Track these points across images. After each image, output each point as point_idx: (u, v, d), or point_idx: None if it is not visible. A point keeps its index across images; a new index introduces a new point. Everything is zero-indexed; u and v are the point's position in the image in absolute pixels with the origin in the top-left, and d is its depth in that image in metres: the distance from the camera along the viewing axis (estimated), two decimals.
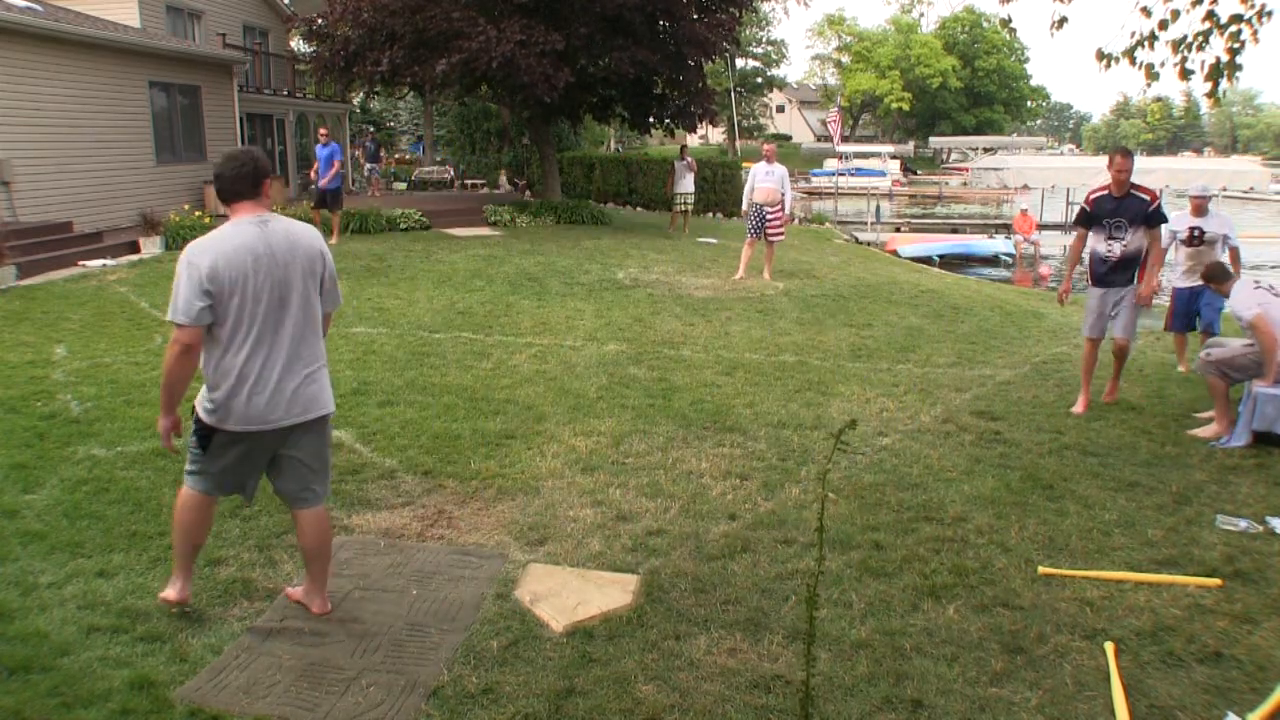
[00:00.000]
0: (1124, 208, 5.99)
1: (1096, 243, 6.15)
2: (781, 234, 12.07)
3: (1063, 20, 6.60)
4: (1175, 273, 7.70)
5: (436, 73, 15.49)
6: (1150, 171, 24.30)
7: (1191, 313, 7.45)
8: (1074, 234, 6.49)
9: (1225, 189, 26.21)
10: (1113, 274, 6.13)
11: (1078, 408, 6.23)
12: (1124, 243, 6.02)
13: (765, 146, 12.16)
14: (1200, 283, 6.61)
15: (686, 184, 17.70)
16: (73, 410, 5.74)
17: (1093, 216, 6.13)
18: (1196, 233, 7.32)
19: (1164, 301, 8.40)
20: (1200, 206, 7.43)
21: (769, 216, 11.67)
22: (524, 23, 15.38)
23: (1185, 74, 6.22)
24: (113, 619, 3.32)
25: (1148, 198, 6.00)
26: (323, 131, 14.52)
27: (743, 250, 12.09)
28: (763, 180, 11.67)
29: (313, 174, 14.07)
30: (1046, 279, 18.33)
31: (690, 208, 17.95)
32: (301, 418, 3.19)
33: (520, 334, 8.26)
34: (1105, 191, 6.08)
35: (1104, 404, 6.36)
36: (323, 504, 3.42)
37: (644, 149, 37.18)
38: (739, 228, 20.32)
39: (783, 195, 11.81)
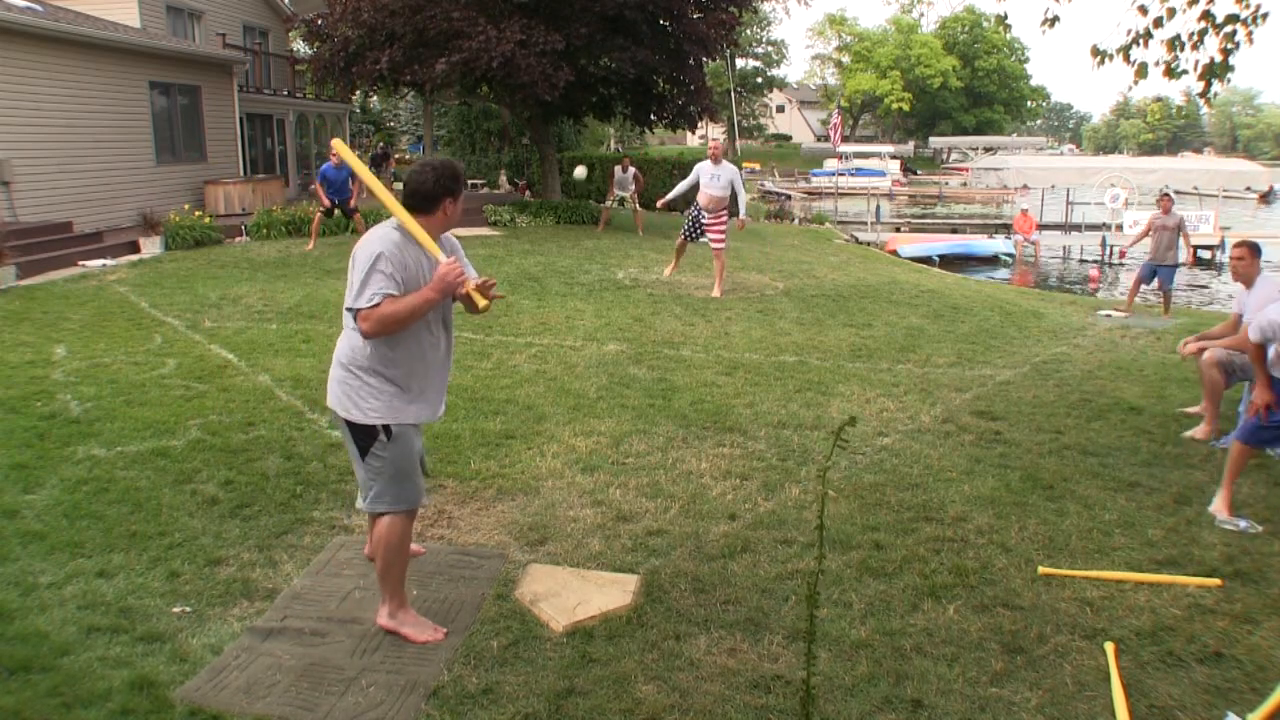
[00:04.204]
0: None
1: None
2: (723, 240, 10.38)
3: (1055, 19, 6.53)
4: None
5: (436, 73, 15.48)
6: (1150, 171, 24.34)
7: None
8: None
9: (1224, 189, 26.25)
10: None
11: None
12: None
13: (711, 144, 10.90)
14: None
15: (621, 190, 17.12)
16: (73, 410, 5.74)
17: None
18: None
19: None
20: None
21: (706, 222, 10.29)
22: (524, 22, 15.38)
23: (1171, 73, 6.17)
24: (113, 619, 3.32)
25: None
26: (335, 155, 14.35)
27: (676, 245, 11.03)
28: (708, 185, 10.17)
29: (321, 191, 13.76)
30: (1095, 281, 18.30)
31: (624, 207, 17.43)
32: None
33: (520, 334, 8.26)
34: None
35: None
36: (373, 512, 3.30)
37: (645, 149, 37.16)
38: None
39: (733, 199, 10.29)
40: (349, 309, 3.04)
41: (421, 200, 3.11)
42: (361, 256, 3.04)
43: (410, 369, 3.17)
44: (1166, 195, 13.30)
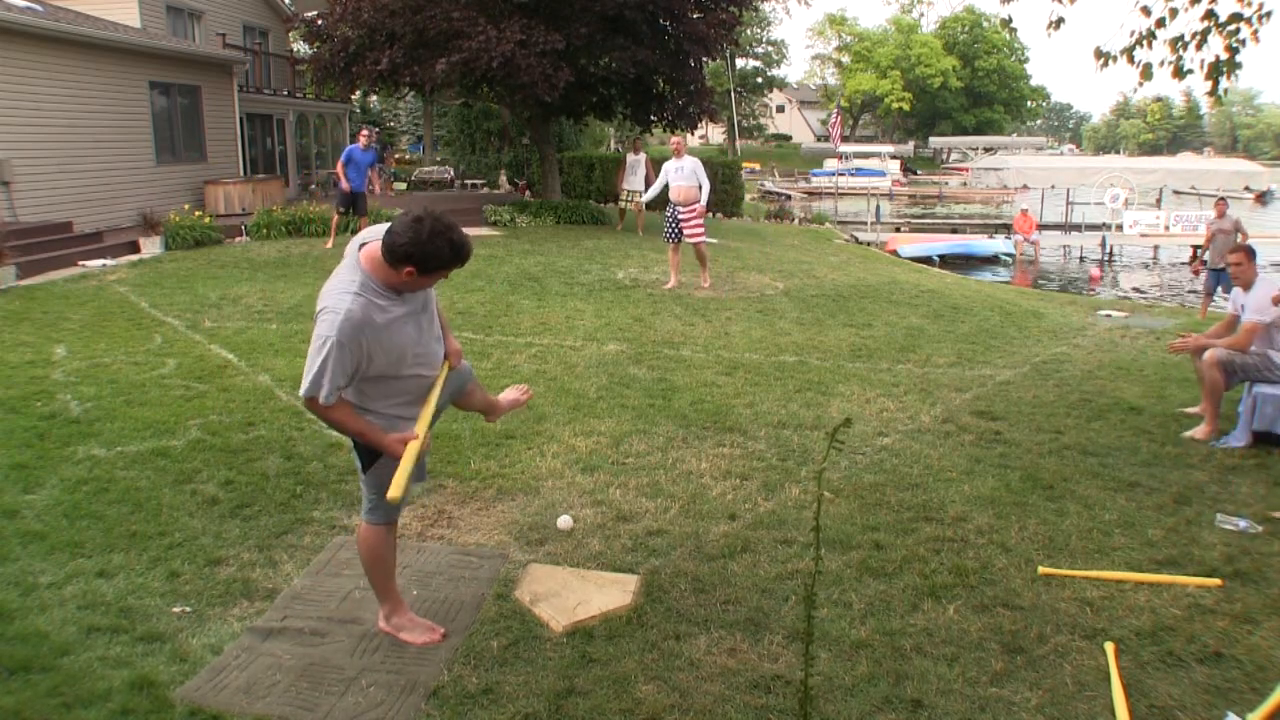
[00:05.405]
0: None
1: None
2: (701, 232, 10.71)
3: (1060, 21, 6.55)
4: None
5: (436, 73, 15.47)
6: (1150, 171, 24.34)
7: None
8: None
9: (1223, 189, 26.26)
10: None
11: None
12: None
13: (673, 140, 11.26)
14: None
15: (637, 180, 16.61)
16: (73, 410, 5.74)
17: None
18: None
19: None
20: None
21: (681, 217, 10.58)
22: (524, 22, 15.37)
23: (1179, 73, 6.18)
24: (113, 619, 3.32)
25: None
26: (365, 133, 14.24)
27: (669, 258, 11.15)
28: (674, 178, 10.67)
29: (342, 172, 13.61)
30: (1097, 280, 18.26)
31: (642, 205, 16.42)
32: None
33: (520, 334, 8.26)
34: None
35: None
36: (365, 519, 3.20)
37: (643, 148, 37.08)
38: (739, 227, 20.34)
39: (700, 190, 10.66)
40: (302, 395, 2.79)
41: (387, 251, 2.77)
42: (318, 330, 2.77)
43: (414, 399, 3.05)
44: (1221, 200, 13.31)
